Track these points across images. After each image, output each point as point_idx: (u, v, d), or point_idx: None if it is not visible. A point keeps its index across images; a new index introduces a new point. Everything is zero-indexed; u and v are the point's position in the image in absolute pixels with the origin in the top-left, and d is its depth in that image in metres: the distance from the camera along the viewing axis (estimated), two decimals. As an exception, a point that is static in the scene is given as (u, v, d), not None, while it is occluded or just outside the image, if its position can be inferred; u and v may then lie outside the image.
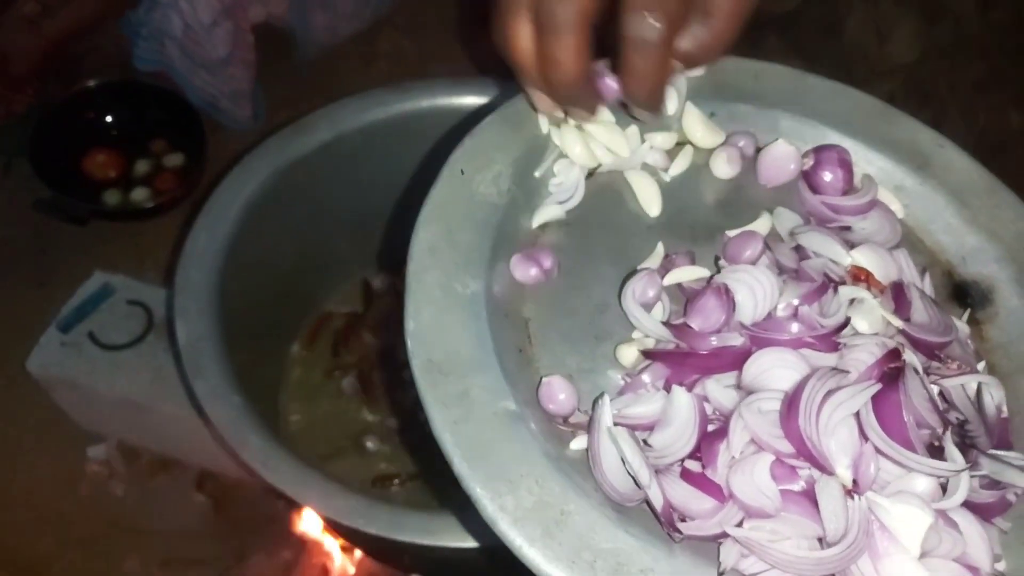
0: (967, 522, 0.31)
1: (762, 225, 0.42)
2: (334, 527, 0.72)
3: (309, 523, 0.94)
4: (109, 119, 1.19)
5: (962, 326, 0.39)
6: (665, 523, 0.32)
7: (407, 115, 0.77)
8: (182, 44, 1.10)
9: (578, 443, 0.34)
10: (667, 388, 0.35)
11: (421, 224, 0.38)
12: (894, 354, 0.33)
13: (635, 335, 0.38)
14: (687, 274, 0.38)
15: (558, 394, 0.35)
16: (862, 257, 0.38)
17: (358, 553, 0.91)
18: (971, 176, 0.44)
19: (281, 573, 0.92)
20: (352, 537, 0.71)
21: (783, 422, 0.32)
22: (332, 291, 0.88)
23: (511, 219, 0.39)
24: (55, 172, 1.12)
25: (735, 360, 0.34)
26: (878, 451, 0.31)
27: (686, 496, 0.32)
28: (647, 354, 0.36)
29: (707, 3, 0.35)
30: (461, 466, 0.32)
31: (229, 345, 0.61)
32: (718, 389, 0.34)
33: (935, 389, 0.34)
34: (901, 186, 0.44)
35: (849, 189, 0.43)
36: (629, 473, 0.33)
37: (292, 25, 1.21)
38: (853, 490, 0.31)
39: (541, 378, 0.35)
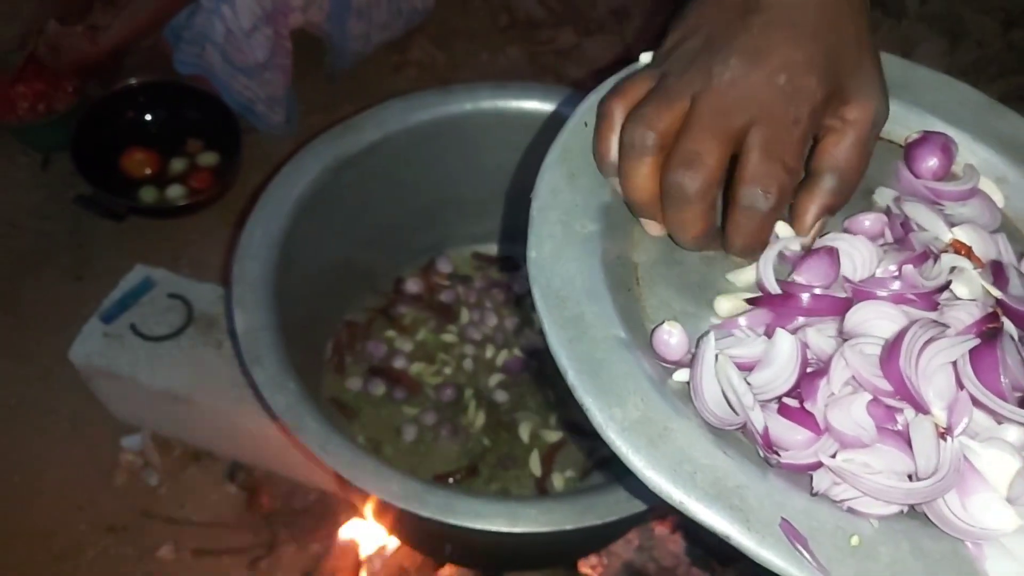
0: None
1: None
2: (382, 514, 0.74)
3: (342, 516, 0.96)
4: (148, 118, 1.22)
5: None
6: (763, 445, 0.34)
7: (451, 117, 0.79)
8: (223, 49, 1.13)
9: (680, 375, 0.37)
10: (768, 334, 0.37)
11: (547, 167, 0.40)
12: (993, 316, 0.35)
13: (737, 284, 0.40)
14: (786, 230, 0.41)
15: (670, 338, 0.37)
16: (963, 234, 0.40)
17: (389, 547, 0.92)
18: None
19: (312, 564, 0.94)
20: (399, 524, 0.73)
21: (883, 363, 0.34)
22: (368, 290, 0.90)
23: None
24: (94, 168, 1.15)
25: (835, 307, 0.37)
26: (973, 400, 0.33)
27: (782, 428, 0.34)
28: (751, 301, 0.38)
29: (824, 163, 0.38)
30: (575, 379, 0.34)
31: (284, 335, 0.63)
32: (819, 337, 0.36)
33: None
34: (1003, 178, 0.45)
35: (945, 176, 0.44)
36: (728, 402, 0.35)
37: (329, 33, 1.24)
38: (946, 432, 0.33)
39: (659, 323, 0.38)
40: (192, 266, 1.14)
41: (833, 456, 0.34)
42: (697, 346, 0.37)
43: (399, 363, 0.85)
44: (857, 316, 0.36)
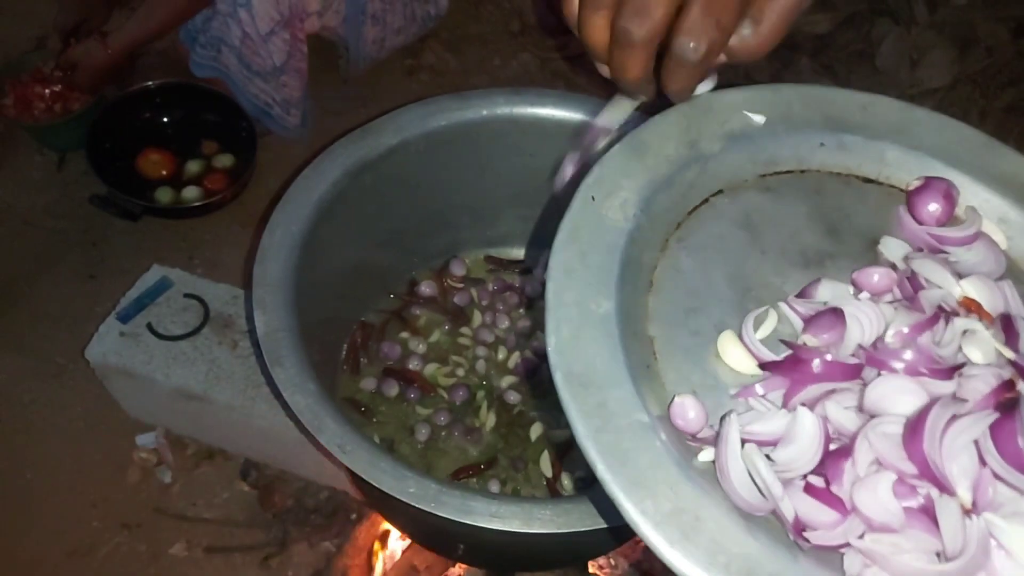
0: None
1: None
2: (396, 514, 0.75)
3: (353, 514, 0.97)
4: (165, 119, 1.24)
5: None
6: (794, 532, 0.35)
7: (467, 123, 0.80)
8: (239, 52, 1.14)
9: (705, 455, 0.37)
10: (786, 405, 0.38)
11: (558, 247, 0.41)
12: (1009, 385, 0.35)
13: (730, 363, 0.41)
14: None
15: (688, 412, 0.38)
16: (971, 288, 0.41)
17: (400, 545, 0.93)
18: None
19: (323, 562, 0.94)
20: (413, 523, 0.74)
21: (907, 444, 0.34)
22: (383, 292, 0.90)
23: (636, 243, 0.42)
24: (110, 169, 1.16)
25: (847, 373, 0.37)
26: (995, 475, 0.34)
27: (810, 508, 0.35)
28: (764, 366, 0.39)
29: (756, 10, 0.41)
30: (604, 473, 0.34)
31: (303, 335, 0.64)
32: (838, 411, 0.36)
33: None
34: (1005, 218, 0.46)
35: (948, 221, 0.45)
36: (757, 486, 0.35)
37: (344, 38, 1.26)
38: (971, 510, 0.33)
39: (673, 397, 0.38)
40: (206, 266, 1.16)
41: (861, 537, 0.34)
42: (720, 426, 0.37)
43: (413, 364, 0.86)
44: (876, 392, 0.36)
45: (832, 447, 0.36)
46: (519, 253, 0.96)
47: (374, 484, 0.56)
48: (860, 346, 0.39)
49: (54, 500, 0.99)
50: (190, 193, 1.19)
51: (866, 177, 0.48)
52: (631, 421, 0.36)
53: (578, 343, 0.38)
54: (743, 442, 0.36)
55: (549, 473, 0.79)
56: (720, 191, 0.46)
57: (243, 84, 1.18)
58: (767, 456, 0.36)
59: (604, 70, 0.42)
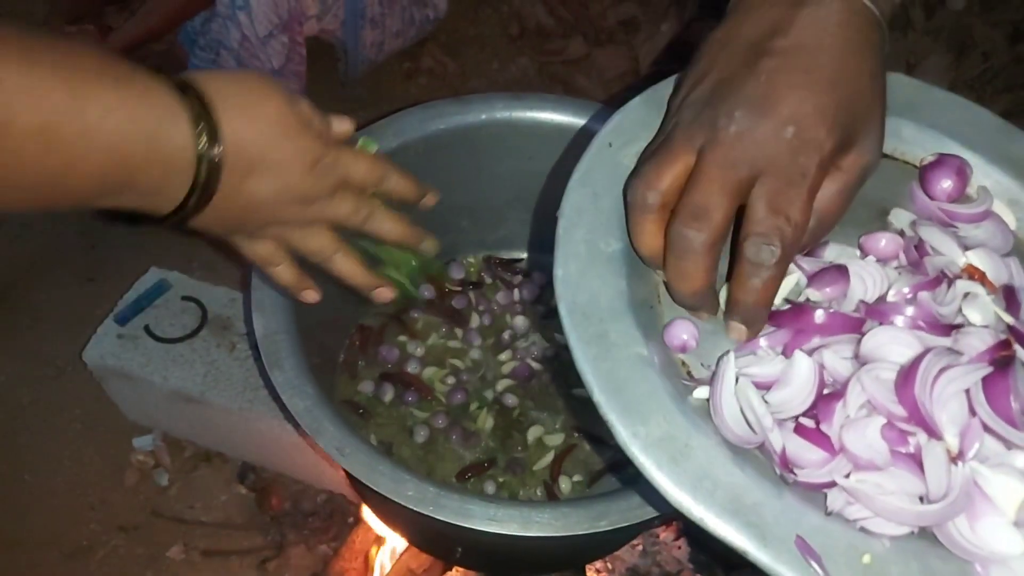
0: None
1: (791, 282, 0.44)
2: (394, 516, 0.75)
3: (350, 517, 0.97)
4: (163, 122, 1.24)
5: None
6: (780, 464, 0.36)
7: (466, 127, 0.80)
8: (238, 55, 1.14)
9: (700, 393, 0.38)
10: (786, 354, 0.38)
11: (572, 187, 0.42)
12: (1005, 343, 0.36)
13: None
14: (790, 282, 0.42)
15: (682, 333, 0.39)
16: (976, 259, 0.42)
17: (397, 548, 0.93)
18: None
19: (320, 566, 0.94)
20: (410, 526, 0.74)
21: (899, 389, 0.35)
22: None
23: None
24: (109, 171, 1.16)
25: (848, 325, 0.38)
26: (985, 426, 0.34)
27: (799, 447, 0.36)
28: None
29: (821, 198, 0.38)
30: (600, 396, 0.36)
31: (301, 338, 0.64)
32: (835, 359, 0.37)
33: None
34: (1016, 200, 0.46)
35: (959, 198, 0.46)
36: (747, 422, 0.36)
37: (343, 40, 1.26)
38: (958, 457, 0.34)
39: (670, 320, 0.39)
40: (204, 269, 1.16)
41: (847, 476, 0.35)
42: (717, 365, 0.38)
43: (410, 367, 0.86)
44: (873, 341, 0.37)
45: (826, 392, 0.37)
46: (518, 256, 0.96)
47: (372, 487, 0.56)
48: (862, 302, 0.39)
49: (52, 502, 0.99)
50: (189, 195, 1.19)
51: (883, 153, 0.48)
52: (630, 353, 0.37)
53: (584, 277, 0.39)
54: (738, 379, 0.37)
55: (547, 476, 0.79)
56: None
57: (242, 87, 1.18)
58: (763, 401, 0.37)
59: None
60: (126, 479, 1.01)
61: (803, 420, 0.36)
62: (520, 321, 0.91)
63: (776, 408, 0.37)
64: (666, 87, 0.45)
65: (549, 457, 0.80)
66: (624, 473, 0.80)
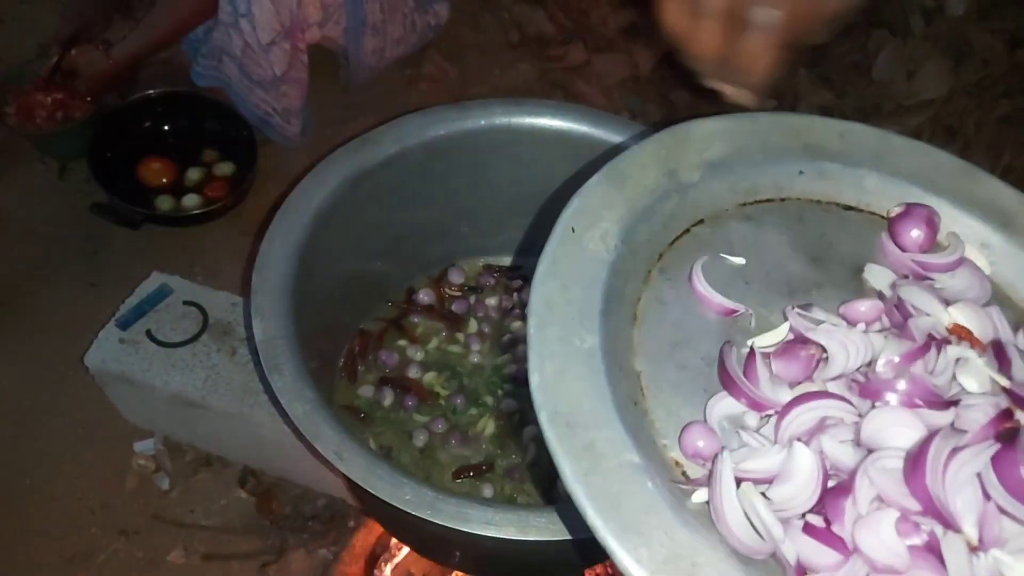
0: None
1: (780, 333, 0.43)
2: (393, 521, 0.75)
3: (350, 521, 0.97)
4: (166, 128, 1.24)
5: None
6: (796, 574, 0.34)
7: (465, 133, 0.81)
8: (240, 62, 1.15)
9: (699, 496, 0.36)
10: (778, 439, 0.37)
11: (538, 280, 0.40)
12: (1007, 414, 0.35)
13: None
14: (772, 338, 0.41)
15: (697, 441, 0.37)
16: (960, 315, 0.41)
17: (397, 553, 0.93)
18: None
19: (320, 570, 0.95)
20: (409, 531, 0.74)
21: (909, 480, 0.34)
22: (381, 300, 0.91)
23: (618, 275, 0.41)
24: (111, 177, 1.17)
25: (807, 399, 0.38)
26: (1000, 509, 0.33)
27: (810, 549, 0.34)
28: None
29: None
30: (595, 519, 0.33)
31: (300, 343, 0.65)
32: (835, 445, 0.36)
33: None
34: (987, 243, 0.46)
35: (931, 248, 0.45)
36: (754, 528, 0.34)
37: (345, 48, 1.27)
38: (978, 547, 0.33)
39: (686, 424, 0.38)
40: (206, 274, 1.16)
41: None
42: (713, 465, 0.36)
43: (410, 372, 0.87)
44: (873, 425, 0.36)
45: (830, 484, 0.35)
46: (518, 261, 0.97)
47: (371, 491, 0.57)
48: (844, 375, 0.38)
49: (53, 506, 1.00)
50: (190, 201, 1.19)
51: (846, 204, 0.48)
52: (621, 462, 0.34)
53: (563, 381, 0.36)
54: (738, 481, 0.35)
55: (544, 481, 0.79)
56: (701, 221, 0.46)
57: (244, 93, 1.19)
58: (763, 494, 0.35)
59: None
60: (127, 483, 1.01)
61: (811, 518, 0.35)
62: (519, 326, 0.91)
63: (780, 506, 0.35)
64: (623, 161, 0.44)
65: (547, 462, 0.81)
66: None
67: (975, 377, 0.38)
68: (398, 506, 0.56)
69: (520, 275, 0.96)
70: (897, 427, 0.35)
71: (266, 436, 0.92)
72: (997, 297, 0.45)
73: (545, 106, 0.83)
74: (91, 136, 1.17)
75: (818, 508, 0.35)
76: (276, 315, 0.65)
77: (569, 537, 0.56)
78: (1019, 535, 0.33)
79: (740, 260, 0.45)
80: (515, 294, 0.94)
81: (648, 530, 0.33)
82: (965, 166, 0.48)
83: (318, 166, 0.74)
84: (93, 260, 1.20)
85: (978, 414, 0.36)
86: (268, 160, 1.26)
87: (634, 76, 1.46)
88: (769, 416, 0.38)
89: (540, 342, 0.38)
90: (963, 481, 0.33)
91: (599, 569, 0.97)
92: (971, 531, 0.33)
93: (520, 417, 0.85)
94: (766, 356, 0.40)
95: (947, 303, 0.42)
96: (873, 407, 0.37)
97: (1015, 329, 0.42)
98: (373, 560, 0.94)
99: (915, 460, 0.34)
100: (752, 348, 0.40)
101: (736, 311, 0.42)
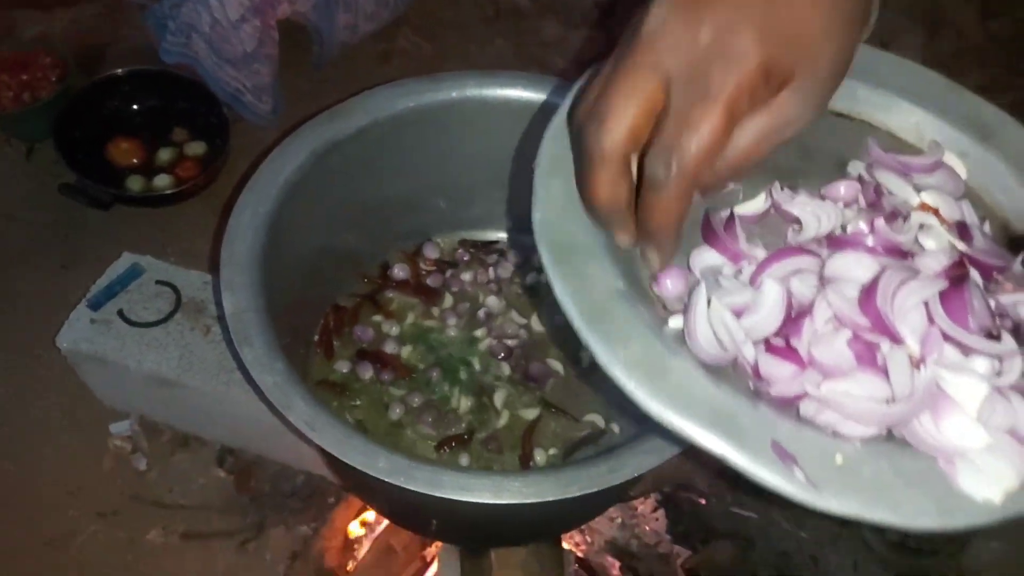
0: (1019, 402, 0.36)
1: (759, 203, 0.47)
2: (369, 491, 0.75)
3: (330, 498, 0.97)
4: (135, 107, 1.23)
5: (1016, 264, 0.43)
6: (754, 375, 0.38)
7: (437, 105, 0.80)
8: (209, 39, 1.13)
9: (675, 323, 0.41)
10: (753, 282, 0.41)
11: (547, 139, 0.44)
12: (960, 263, 0.39)
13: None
14: (752, 207, 0.46)
15: (677, 279, 0.42)
16: (930, 197, 0.45)
17: (377, 527, 0.94)
18: None
19: (300, 546, 0.95)
20: (386, 502, 0.74)
21: (862, 303, 0.38)
22: (355, 275, 0.91)
23: None
24: (80, 158, 1.15)
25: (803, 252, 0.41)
26: (943, 335, 0.37)
27: (770, 364, 0.38)
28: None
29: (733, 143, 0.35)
30: (581, 323, 0.38)
31: (271, 316, 0.64)
32: (802, 286, 0.40)
33: (992, 302, 0.40)
34: (965, 153, 0.49)
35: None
36: (720, 342, 0.39)
37: (316, 23, 1.25)
38: (919, 361, 0.37)
39: (668, 268, 0.42)
40: (179, 255, 1.15)
41: (818, 387, 0.37)
42: (690, 296, 0.40)
43: (387, 347, 0.87)
44: (836, 264, 0.40)
45: (794, 316, 0.40)
46: (493, 235, 0.97)
47: (344, 461, 0.57)
48: (821, 238, 0.43)
49: (30, 490, 0.99)
50: (161, 181, 1.18)
51: (839, 112, 0.51)
52: (608, 287, 0.39)
53: (562, 220, 0.41)
54: (710, 302, 0.39)
55: (521, 452, 0.80)
56: None
57: (214, 71, 1.17)
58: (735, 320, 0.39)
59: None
60: (104, 465, 1.01)
61: (773, 340, 0.39)
62: (494, 300, 0.91)
63: (747, 331, 0.39)
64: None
65: (522, 433, 0.81)
66: (597, 445, 0.80)
67: (936, 240, 0.41)
68: (372, 474, 0.56)
69: (496, 250, 0.95)
70: (858, 267, 0.39)
71: (242, 414, 0.92)
72: (970, 197, 0.48)
73: (518, 78, 0.82)
74: (58, 116, 1.15)
75: (781, 333, 0.39)
76: (245, 287, 0.65)
77: (543, 499, 0.56)
78: (959, 361, 0.37)
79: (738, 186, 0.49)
80: (490, 269, 0.94)
81: (627, 338, 0.37)
82: (951, 83, 0.51)
83: (287, 139, 0.74)
84: (64, 242, 1.18)
85: (932, 261, 0.39)
86: (240, 138, 1.25)
87: (611, 51, 1.46)
88: (743, 270, 0.43)
89: (544, 188, 0.42)
90: (911, 306, 0.37)
91: (578, 538, 0.99)
92: (914, 346, 0.37)
93: (495, 391, 0.85)
94: (745, 220, 0.45)
95: (919, 190, 0.45)
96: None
97: (982, 220, 0.46)
98: (353, 535, 0.94)
99: (869, 286, 0.38)
100: (732, 212, 0.45)
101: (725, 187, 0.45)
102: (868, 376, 0.37)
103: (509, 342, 0.88)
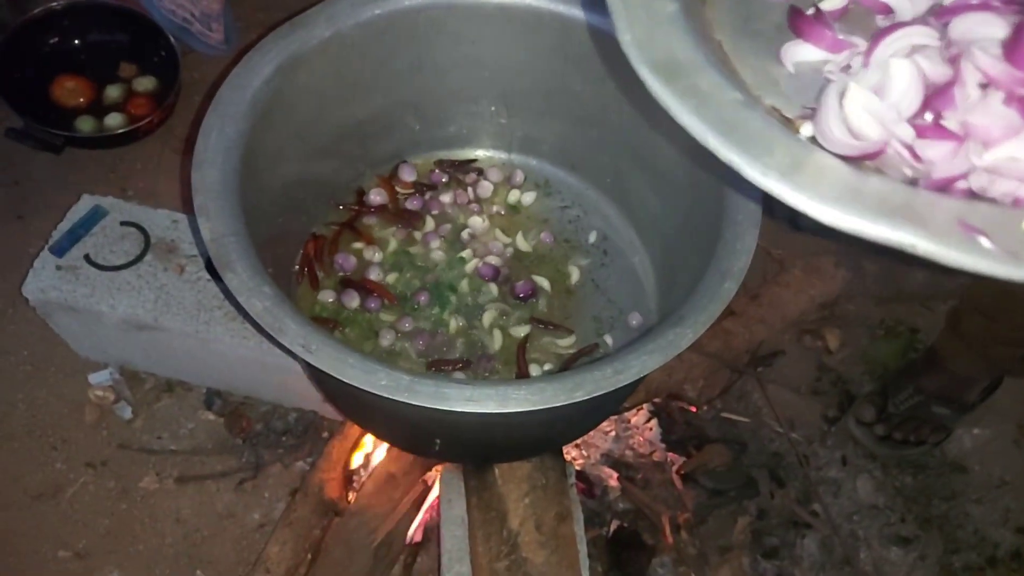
0: None
1: None
2: (369, 416, 0.74)
3: (324, 432, 0.96)
4: (76, 43, 1.15)
5: None
6: (912, 158, 0.36)
7: (404, 10, 0.76)
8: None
9: (806, 129, 0.39)
10: (868, 62, 0.39)
11: None
12: None
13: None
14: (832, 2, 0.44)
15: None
16: None
17: (375, 455, 0.93)
18: None
19: (299, 481, 0.94)
20: (387, 424, 0.73)
21: (1010, 57, 0.35)
22: (331, 203, 0.87)
23: None
24: (23, 100, 1.08)
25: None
26: None
27: (923, 147, 0.35)
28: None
29: None
30: (716, 140, 0.35)
31: (253, 242, 0.61)
32: (931, 63, 0.37)
33: None
34: None
35: None
36: (856, 135, 0.36)
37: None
38: None
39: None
40: (140, 195, 1.10)
41: (981, 158, 0.35)
42: (819, 97, 0.38)
43: (371, 274, 0.84)
44: (961, 28, 0.37)
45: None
46: (470, 154, 0.93)
47: (344, 380, 0.55)
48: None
49: (11, 446, 0.96)
50: (113, 120, 1.11)
51: None
52: (727, 99, 0.37)
53: (654, 38, 0.39)
54: (845, 91, 0.37)
55: (516, 368, 0.79)
56: None
57: (157, 0, 1.10)
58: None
59: None
60: (86, 416, 0.98)
61: (918, 122, 0.36)
62: (477, 220, 0.89)
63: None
64: None
65: (515, 349, 0.80)
66: (592, 357, 0.80)
67: None
68: (373, 391, 0.55)
69: (473, 169, 0.92)
70: (984, 26, 0.37)
71: (226, 354, 0.89)
72: None
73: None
74: (-5, 56, 1.07)
75: (922, 112, 0.36)
76: (222, 212, 0.62)
77: (548, 406, 0.55)
78: None
79: None
80: (469, 189, 0.91)
81: (768, 144, 0.35)
82: None
83: (248, 54, 0.69)
84: (16, 191, 1.12)
85: None
86: (192, 71, 1.18)
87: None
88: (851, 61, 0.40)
89: (624, 9, 0.40)
90: None
91: (575, 452, 0.99)
92: None
93: (485, 310, 0.83)
94: (833, 14, 0.43)
95: None
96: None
97: None
98: (352, 465, 0.94)
99: (1013, 39, 0.35)
100: (817, 7, 0.43)
101: None
102: None
103: (495, 261, 0.86)
